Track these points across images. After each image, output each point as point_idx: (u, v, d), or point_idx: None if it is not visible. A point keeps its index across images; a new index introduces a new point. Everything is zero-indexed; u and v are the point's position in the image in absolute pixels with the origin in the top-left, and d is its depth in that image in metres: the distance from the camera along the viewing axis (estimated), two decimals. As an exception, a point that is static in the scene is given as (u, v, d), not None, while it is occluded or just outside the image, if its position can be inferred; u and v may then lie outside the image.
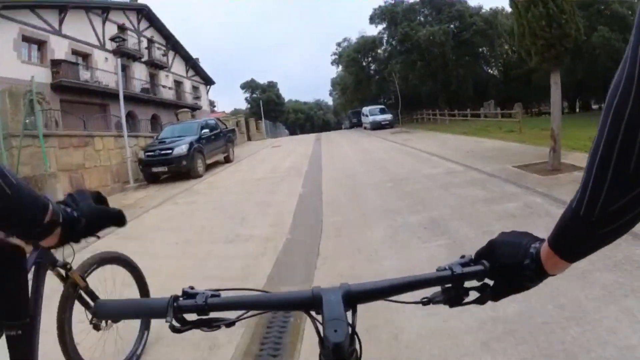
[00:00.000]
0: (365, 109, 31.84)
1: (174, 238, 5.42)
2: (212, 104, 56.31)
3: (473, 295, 0.66)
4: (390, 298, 0.66)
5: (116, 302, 0.72)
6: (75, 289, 1.87)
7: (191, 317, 0.64)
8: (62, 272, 1.77)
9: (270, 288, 3.04)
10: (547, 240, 0.59)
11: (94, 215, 0.85)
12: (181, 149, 11.38)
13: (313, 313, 0.63)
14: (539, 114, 29.44)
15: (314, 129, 63.69)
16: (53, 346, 1.98)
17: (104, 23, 25.26)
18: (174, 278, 3.68)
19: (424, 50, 28.70)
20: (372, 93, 41.50)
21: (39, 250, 1.47)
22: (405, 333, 2.38)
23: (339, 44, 42.88)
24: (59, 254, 1.67)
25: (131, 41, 27.10)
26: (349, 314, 0.61)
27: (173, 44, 32.00)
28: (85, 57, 24.35)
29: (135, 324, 2.42)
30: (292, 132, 55.43)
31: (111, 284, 2.23)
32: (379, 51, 37.17)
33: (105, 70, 24.76)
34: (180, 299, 0.64)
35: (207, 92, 38.18)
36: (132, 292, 2.34)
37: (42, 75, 20.25)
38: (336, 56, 42.67)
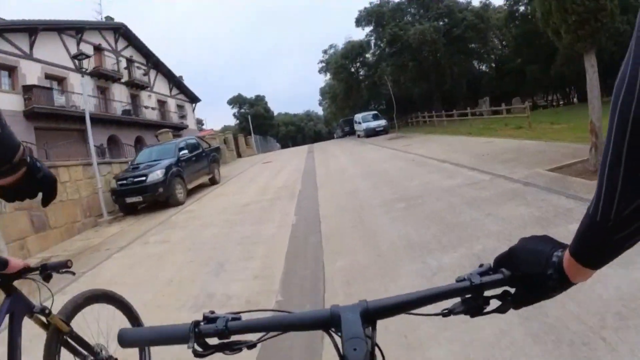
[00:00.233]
0: (358, 116, 30.78)
1: (130, 300, 4.03)
2: (200, 122, 55.11)
3: (494, 303, 0.64)
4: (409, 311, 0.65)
5: (139, 330, 0.74)
6: (59, 336, 1.73)
7: (213, 341, 0.64)
8: (43, 318, 1.66)
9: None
10: (568, 249, 0.57)
11: (49, 175, 0.95)
12: (156, 174, 10.01)
13: (332, 331, 0.63)
14: (534, 107, 28.46)
15: (305, 140, 62.50)
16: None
17: (78, 44, 23.99)
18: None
19: (415, 50, 27.57)
20: (363, 99, 40.41)
21: (11, 297, 1.46)
22: None
23: (325, 51, 41.75)
24: (35, 299, 1.63)
25: (109, 62, 25.88)
26: (369, 330, 0.61)
27: (154, 63, 30.77)
28: (61, 81, 23.07)
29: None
30: (284, 145, 54.21)
31: (102, 325, 1.97)
32: (368, 55, 36.11)
33: (82, 93, 23.37)
34: (202, 323, 0.65)
35: (193, 110, 36.91)
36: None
37: (14, 103, 19.08)
38: (323, 64, 41.50)
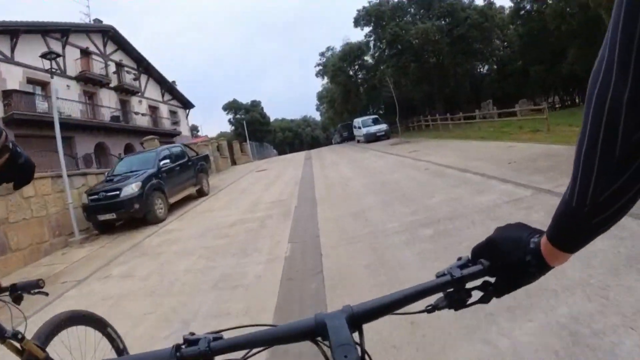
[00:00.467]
0: (357, 121, 29.57)
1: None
2: (195, 128, 53.86)
3: (476, 294, 0.64)
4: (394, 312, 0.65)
5: (120, 359, 0.74)
6: None
7: None
8: (16, 343, 1.55)
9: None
10: (545, 234, 0.58)
11: (29, 161, 1.00)
12: (131, 188, 8.70)
13: (320, 341, 0.62)
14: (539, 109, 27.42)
15: (303, 146, 61.28)
16: None
17: (64, 47, 22.75)
18: None
19: (416, 51, 26.27)
20: (362, 103, 39.12)
21: None
22: None
23: (322, 54, 40.34)
24: (7, 323, 1.54)
25: (97, 66, 24.60)
26: (356, 335, 0.61)
27: (145, 67, 29.51)
28: (45, 85, 21.73)
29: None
30: (281, 152, 52.84)
31: (82, 349, 1.87)
32: (367, 57, 34.85)
33: (67, 99, 22.19)
34: (183, 347, 0.63)
35: (187, 117, 35.60)
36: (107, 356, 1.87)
37: (-5, 109, 17.84)
38: (320, 67, 40.16)
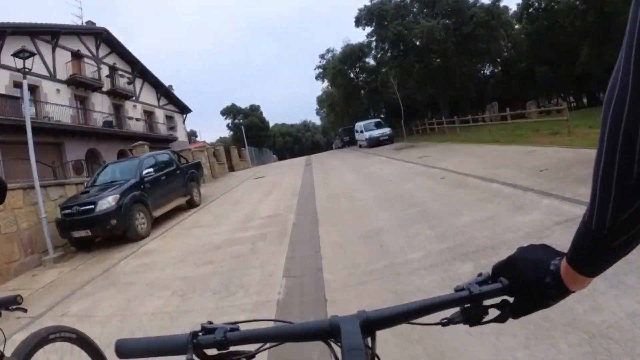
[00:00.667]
0: (359, 125, 28.54)
1: None
2: (193, 133, 52.95)
3: (493, 312, 0.63)
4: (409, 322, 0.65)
5: (137, 340, 0.71)
6: None
7: (211, 351, 0.63)
8: None
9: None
10: (565, 257, 0.57)
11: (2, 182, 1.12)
12: (107, 202, 7.64)
13: (332, 342, 0.62)
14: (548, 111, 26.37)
15: (303, 151, 60.19)
16: None
17: (54, 50, 21.82)
18: None
19: (421, 51, 25.15)
20: (363, 107, 38.05)
21: None
22: None
23: (322, 56, 39.22)
24: None
25: (89, 69, 23.63)
26: (369, 340, 0.61)
27: (140, 71, 28.53)
28: (33, 90, 20.73)
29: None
30: (281, 157, 51.73)
31: None
32: (368, 59, 33.83)
33: (57, 103, 21.23)
34: (200, 334, 0.65)
35: (184, 122, 34.59)
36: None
37: (-22, 115, 16.92)
38: (320, 70, 39.06)
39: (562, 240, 3.34)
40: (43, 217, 8.64)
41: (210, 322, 0.66)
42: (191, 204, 10.96)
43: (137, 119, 27.26)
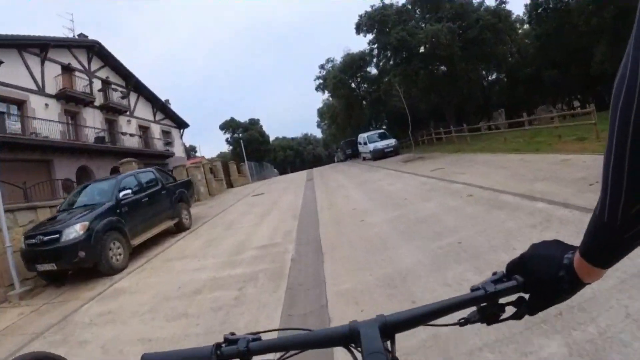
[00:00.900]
0: (362, 136, 27.47)
1: None
2: (192, 149, 51.97)
3: (509, 310, 0.63)
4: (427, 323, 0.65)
5: (161, 354, 0.69)
6: None
7: None
8: None
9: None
10: (578, 250, 0.57)
11: None
12: (74, 230, 6.47)
13: (352, 347, 0.62)
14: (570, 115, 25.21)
15: (304, 165, 59.08)
16: None
17: (42, 63, 20.93)
18: None
19: (426, 57, 24.07)
20: (366, 117, 37.00)
21: None
22: None
23: (322, 67, 38.27)
24: None
25: (81, 83, 22.69)
26: (389, 344, 0.61)
27: (135, 85, 27.61)
28: (20, 104, 19.78)
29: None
30: (282, 171, 50.57)
31: None
32: (369, 69, 32.86)
33: (45, 119, 20.22)
34: (223, 345, 0.65)
35: (181, 137, 33.59)
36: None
37: (-41, 132, 15.93)
38: (320, 80, 38.08)
39: None
40: (8, 247, 7.51)
41: (232, 334, 0.66)
42: (180, 227, 9.77)
43: (132, 135, 26.23)
